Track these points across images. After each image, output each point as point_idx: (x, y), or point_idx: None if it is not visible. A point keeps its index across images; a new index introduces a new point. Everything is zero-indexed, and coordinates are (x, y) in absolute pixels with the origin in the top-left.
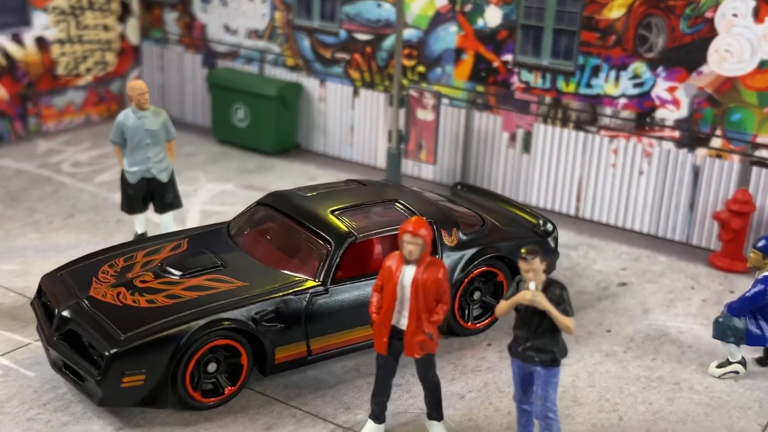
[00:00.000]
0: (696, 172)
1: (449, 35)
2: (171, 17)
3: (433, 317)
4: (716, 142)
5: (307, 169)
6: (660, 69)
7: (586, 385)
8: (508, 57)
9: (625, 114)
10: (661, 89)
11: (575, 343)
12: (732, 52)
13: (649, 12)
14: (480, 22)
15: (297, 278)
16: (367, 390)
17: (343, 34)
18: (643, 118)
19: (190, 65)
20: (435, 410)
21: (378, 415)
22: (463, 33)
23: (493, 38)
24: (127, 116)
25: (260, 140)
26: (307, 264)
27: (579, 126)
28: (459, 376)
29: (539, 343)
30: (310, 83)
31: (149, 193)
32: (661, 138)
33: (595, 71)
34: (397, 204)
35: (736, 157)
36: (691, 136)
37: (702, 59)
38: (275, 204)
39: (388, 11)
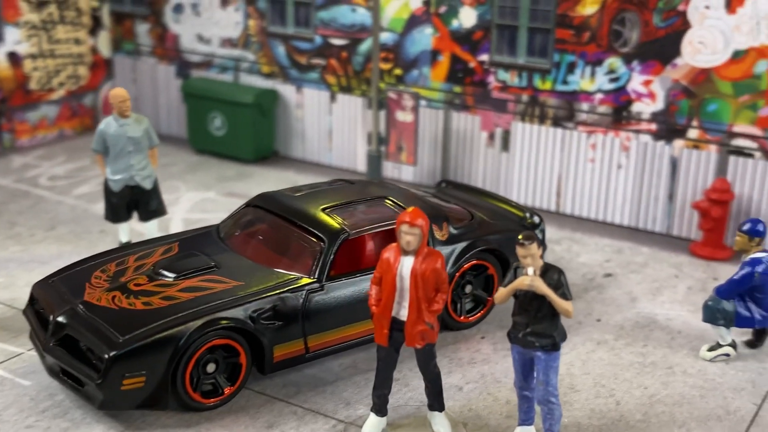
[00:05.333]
0: (674, 164)
1: (425, 37)
2: (143, 29)
3: (432, 307)
4: (693, 133)
5: (287, 175)
6: (635, 63)
7: (581, 373)
8: (484, 57)
9: (602, 109)
10: (636, 83)
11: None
12: (706, 44)
13: (623, 7)
14: (455, 23)
15: (292, 276)
16: (365, 386)
17: (318, 39)
18: (619, 113)
19: (163, 76)
20: (436, 401)
21: (380, 408)
22: (439, 35)
23: (468, 39)
24: (108, 124)
25: (238, 148)
26: (301, 262)
27: (557, 123)
28: (455, 368)
29: (539, 328)
30: (287, 90)
31: (133, 201)
32: (638, 131)
33: (571, 68)
34: (386, 200)
35: (713, 147)
36: (667, 128)
37: (676, 52)
38: (265, 204)
39: (362, 16)
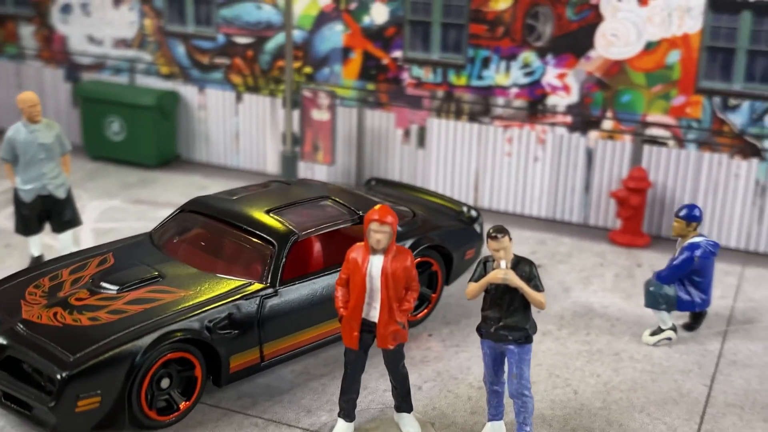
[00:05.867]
0: (589, 155)
1: (335, 34)
2: (27, 31)
3: (403, 306)
4: (608, 124)
5: (194, 180)
6: (549, 57)
7: (534, 364)
8: (398, 53)
9: (518, 103)
10: (551, 76)
11: None
12: (619, 36)
13: (536, 2)
14: (366, 20)
15: (243, 282)
16: (323, 391)
17: (221, 38)
18: (535, 106)
19: (50, 80)
20: (404, 402)
21: (348, 413)
22: (350, 31)
23: (380, 35)
24: (17, 131)
25: (139, 153)
26: (251, 267)
27: (473, 118)
28: (410, 368)
29: (512, 322)
30: (188, 91)
31: (45, 212)
32: (553, 124)
33: (486, 63)
34: (329, 200)
35: (627, 137)
36: (583, 120)
37: (589, 45)
38: (202, 209)
39: (268, 13)
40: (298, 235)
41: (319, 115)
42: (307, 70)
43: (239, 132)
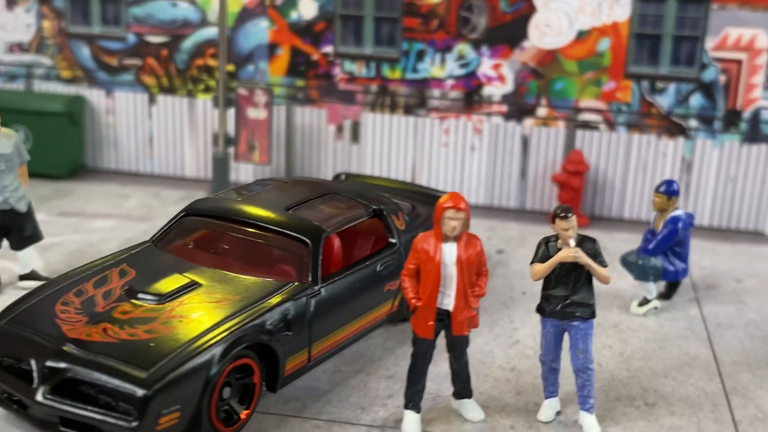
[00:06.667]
0: (525, 142)
1: (260, 31)
2: None
3: (475, 291)
4: (542, 112)
5: (112, 188)
6: (484, 48)
7: (532, 344)
8: (329, 48)
9: (454, 94)
10: (486, 67)
11: (506, 309)
12: (551, 26)
13: None
14: (294, 15)
15: (284, 282)
16: (365, 387)
17: (131, 38)
18: (471, 97)
19: None
20: (466, 388)
21: (416, 404)
22: (276, 27)
23: (309, 30)
24: None
25: (46, 163)
26: (288, 267)
27: (408, 111)
28: (436, 357)
29: (578, 298)
30: (94, 95)
31: (3, 228)
32: (489, 114)
33: (421, 56)
34: (338, 196)
35: (561, 123)
36: (518, 108)
37: (523, 35)
38: (213, 212)
39: (185, 10)
40: (327, 231)
41: (256, 113)
42: (230, 68)
43: (153, 136)
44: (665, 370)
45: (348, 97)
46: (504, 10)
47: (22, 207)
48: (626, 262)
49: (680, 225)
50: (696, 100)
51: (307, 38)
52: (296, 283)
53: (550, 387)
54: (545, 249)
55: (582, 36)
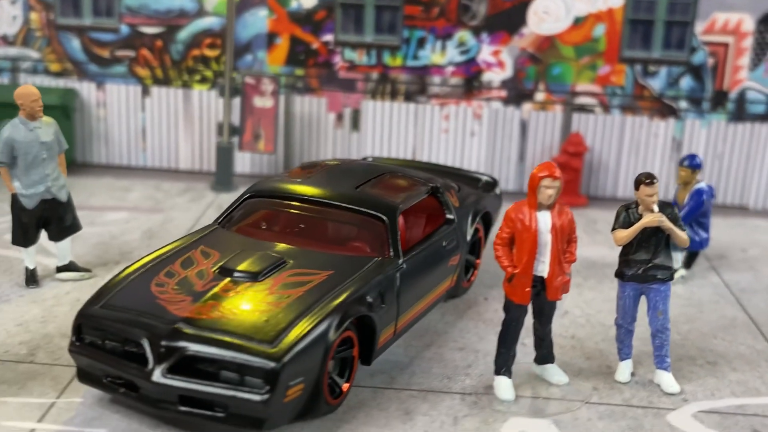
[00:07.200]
0: (523, 126)
1: (259, 20)
2: None
3: (567, 257)
4: (540, 96)
5: (108, 182)
6: (484, 35)
7: (595, 311)
8: (329, 37)
9: (454, 81)
10: (486, 54)
11: None
12: (549, 13)
13: None
14: (294, 4)
15: (371, 258)
16: (443, 358)
17: (124, 29)
18: (471, 83)
19: None
20: (550, 353)
21: (509, 369)
22: (275, 17)
23: (310, 19)
24: (15, 129)
25: None
26: (369, 243)
27: (409, 98)
28: (491, 330)
29: (659, 261)
30: (84, 88)
31: (43, 218)
32: (489, 99)
33: (421, 43)
34: (396, 174)
35: (558, 107)
36: (516, 93)
37: (522, 22)
38: (281, 193)
39: (181, 1)
40: (401, 207)
41: (262, 102)
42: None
43: (147, 129)
44: (712, 331)
45: (348, 85)
46: None
47: (63, 196)
48: None
49: (704, 197)
50: (686, 82)
51: (307, 27)
52: (379, 258)
53: (626, 349)
54: (626, 215)
55: (578, 22)
